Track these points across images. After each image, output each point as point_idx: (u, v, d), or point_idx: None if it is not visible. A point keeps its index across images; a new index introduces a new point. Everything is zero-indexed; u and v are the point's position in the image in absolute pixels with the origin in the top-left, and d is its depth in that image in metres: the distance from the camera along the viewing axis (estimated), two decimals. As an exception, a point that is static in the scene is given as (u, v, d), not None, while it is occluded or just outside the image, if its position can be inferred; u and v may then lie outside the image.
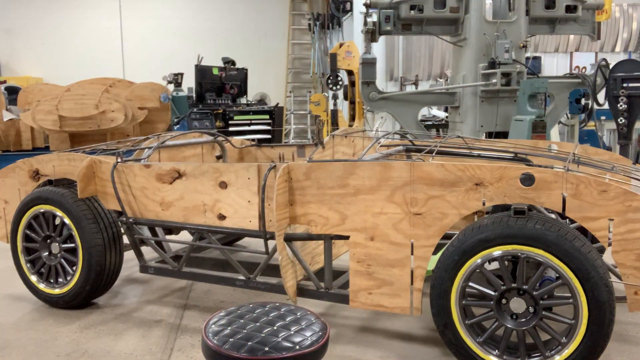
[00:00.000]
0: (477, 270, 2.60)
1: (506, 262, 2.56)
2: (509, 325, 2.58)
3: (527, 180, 2.54)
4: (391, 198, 2.82)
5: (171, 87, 8.75)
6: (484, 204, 2.64)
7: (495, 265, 2.62)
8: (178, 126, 8.07)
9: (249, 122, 9.18)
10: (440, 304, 2.68)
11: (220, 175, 3.24)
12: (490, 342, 2.64)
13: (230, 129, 8.78)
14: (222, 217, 3.27)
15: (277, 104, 10.33)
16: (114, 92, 9.71)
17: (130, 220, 3.58)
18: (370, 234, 2.89)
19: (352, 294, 2.98)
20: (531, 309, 2.56)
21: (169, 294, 4.02)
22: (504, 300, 2.60)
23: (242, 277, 3.36)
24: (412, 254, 2.81)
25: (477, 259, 2.58)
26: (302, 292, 3.20)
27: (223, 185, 3.24)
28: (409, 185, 2.77)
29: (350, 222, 2.93)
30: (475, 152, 4.03)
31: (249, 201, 3.17)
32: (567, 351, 2.48)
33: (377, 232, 2.88)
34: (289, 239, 3.09)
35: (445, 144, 4.13)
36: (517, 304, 2.57)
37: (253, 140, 5.24)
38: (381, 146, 4.33)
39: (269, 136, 9.55)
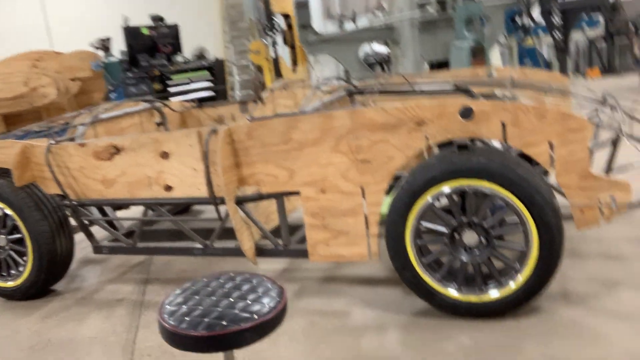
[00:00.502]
0: (429, 209, 2.62)
1: (455, 198, 2.59)
2: (463, 259, 2.64)
3: (466, 113, 2.53)
4: (336, 148, 2.79)
5: (101, 54, 8.34)
6: (427, 142, 2.64)
7: (445, 201, 2.65)
8: (115, 94, 7.76)
9: (188, 80, 8.87)
10: (396, 246, 2.71)
11: (160, 145, 3.14)
12: (448, 276, 2.70)
13: (171, 89, 8.48)
14: (168, 188, 3.19)
15: (216, 58, 10.01)
16: (42, 66, 9.20)
17: (74, 202, 3.45)
18: (320, 187, 2.87)
19: (311, 248, 2.98)
20: (484, 241, 2.61)
21: (128, 271, 3.96)
22: (456, 235, 2.64)
23: (199, 246, 3.31)
24: (363, 200, 2.81)
25: (426, 198, 2.60)
26: (261, 252, 3.19)
27: (165, 155, 3.14)
28: (352, 133, 2.74)
29: (298, 177, 2.90)
30: (417, 88, 4.03)
31: (194, 169, 3.08)
32: (522, 276, 2.55)
33: (326, 183, 2.85)
34: (240, 201, 3.05)
35: (386, 83, 4.10)
36: (470, 237, 2.62)
37: (194, 101, 5.07)
38: (322, 93, 4.27)
39: (212, 94, 9.29)
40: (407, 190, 2.62)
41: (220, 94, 9.60)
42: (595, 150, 2.98)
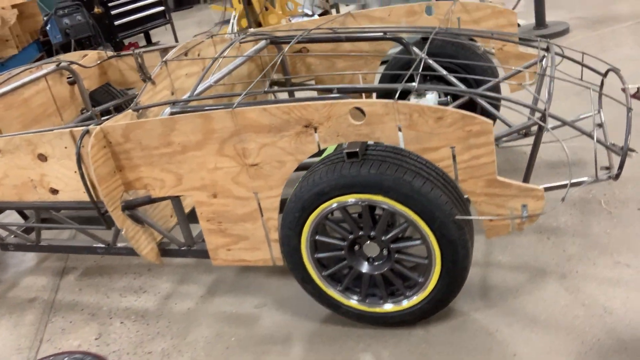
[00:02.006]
0: (321, 224, 2.34)
1: (349, 211, 2.29)
2: (364, 271, 2.39)
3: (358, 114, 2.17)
4: (222, 151, 2.44)
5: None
6: (318, 146, 2.29)
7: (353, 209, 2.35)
8: (49, 27, 7.11)
9: (132, -1, 8.10)
10: (293, 260, 2.46)
11: (35, 147, 2.78)
12: (351, 288, 2.47)
13: (113, 12, 7.77)
14: (54, 191, 2.88)
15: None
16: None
17: (-36, 206, 3.16)
18: (211, 191, 2.56)
19: (212, 252, 2.74)
20: (385, 252, 2.35)
21: (48, 257, 3.75)
22: (356, 247, 2.38)
23: (102, 245, 3.07)
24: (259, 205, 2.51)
25: (318, 213, 2.30)
26: (165, 252, 2.94)
27: (42, 157, 2.80)
28: (237, 136, 2.38)
29: (187, 181, 2.58)
30: (343, 36, 3.57)
31: (75, 172, 2.76)
32: (426, 289, 2.32)
33: (218, 188, 2.54)
34: (129, 207, 2.75)
35: (312, 33, 3.63)
36: (371, 249, 2.36)
37: (118, 43, 4.58)
38: (241, 44, 3.80)
39: (162, 8, 8.53)
40: (296, 204, 2.32)
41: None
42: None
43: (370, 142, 2.26)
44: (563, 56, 3.12)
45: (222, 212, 2.59)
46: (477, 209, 2.21)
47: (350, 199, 2.22)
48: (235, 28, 3.53)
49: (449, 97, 3.46)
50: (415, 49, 3.35)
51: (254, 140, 2.37)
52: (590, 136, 2.33)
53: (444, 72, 3.24)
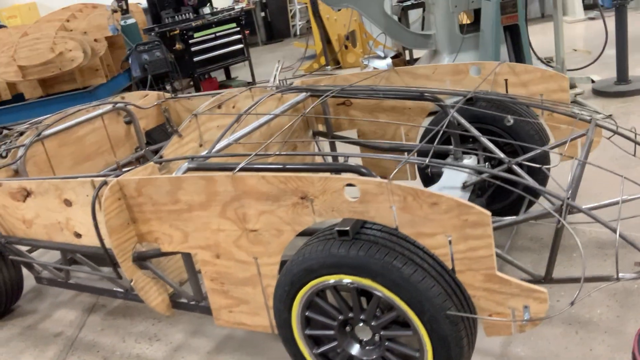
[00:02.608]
0: (312, 300, 2.23)
1: (339, 292, 2.18)
2: (354, 354, 2.25)
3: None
4: (223, 214, 2.42)
5: (119, 16, 8.08)
6: (314, 221, 2.21)
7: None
8: (130, 61, 7.54)
9: (213, 35, 8.42)
10: (284, 334, 2.37)
11: (61, 192, 2.90)
12: (343, 370, 2.34)
13: (193, 49, 8.12)
14: (78, 235, 2.98)
15: (243, 6, 9.41)
16: (71, 27, 9.16)
17: (4, 239, 3.34)
18: (215, 252, 2.54)
19: (215, 312, 2.70)
20: (377, 338, 2.20)
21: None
22: (348, 328, 2.25)
23: (121, 290, 3.12)
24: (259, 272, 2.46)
25: (308, 289, 2.21)
26: (176, 304, 2.95)
27: (68, 203, 2.90)
28: (237, 201, 2.35)
29: (192, 239, 2.58)
30: (381, 93, 3.48)
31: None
32: (418, 383, 2.15)
33: (220, 249, 2.52)
34: (141, 258, 2.78)
35: (354, 86, 3.57)
36: (364, 331, 2.22)
37: (174, 88, 4.74)
38: (282, 93, 3.79)
39: (241, 45, 8.81)
40: (286, 278, 2.23)
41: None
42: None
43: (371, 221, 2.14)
44: (614, 132, 2.87)
45: (225, 273, 2.56)
46: (476, 304, 2.03)
47: (339, 279, 2.11)
48: (277, 79, 3.53)
49: (487, 164, 3.27)
50: (454, 112, 3.19)
51: (253, 206, 2.32)
52: (613, 230, 2.09)
53: (477, 132, 3.07)
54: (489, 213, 1.87)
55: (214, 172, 2.45)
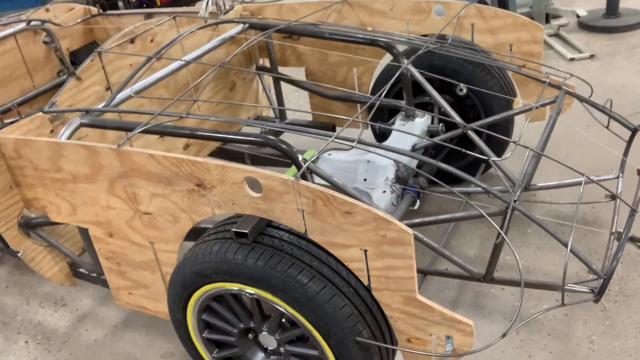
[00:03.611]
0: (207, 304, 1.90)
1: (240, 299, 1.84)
2: (256, 361, 1.97)
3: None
4: (112, 190, 2.02)
5: None
6: (213, 212, 1.82)
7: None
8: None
9: None
10: (180, 334, 2.05)
11: None
12: (245, 376, 2.06)
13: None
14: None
15: None
16: None
17: None
18: (107, 230, 2.16)
19: (114, 292, 2.37)
20: (282, 350, 1.90)
21: None
22: (251, 335, 1.94)
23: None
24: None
25: (202, 293, 1.87)
26: (78, 274, 2.61)
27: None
28: (125, 178, 1.95)
29: (81, 213, 2.19)
30: (327, 34, 2.98)
31: (-26, 179, 2.41)
32: (326, 404, 1.87)
33: (113, 228, 2.14)
34: (29, 225, 2.40)
35: (297, 23, 3.07)
36: (269, 339, 1.91)
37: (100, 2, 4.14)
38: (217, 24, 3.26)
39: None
40: (177, 277, 1.89)
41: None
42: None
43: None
44: (583, 99, 2.48)
45: (120, 253, 2.20)
46: (393, 325, 1.71)
47: (236, 287, 1.77)
48: (210, 7, 3.00)
49: (441, 125, 2.87)
50: (408, 64, 2.73)
51: (144, 187, 1.92)
52: (565, 245, 1.75)
53: (431, 89, 2.65)
54: (411, 232, 1.50)
55: (111, 130, 2.04)
